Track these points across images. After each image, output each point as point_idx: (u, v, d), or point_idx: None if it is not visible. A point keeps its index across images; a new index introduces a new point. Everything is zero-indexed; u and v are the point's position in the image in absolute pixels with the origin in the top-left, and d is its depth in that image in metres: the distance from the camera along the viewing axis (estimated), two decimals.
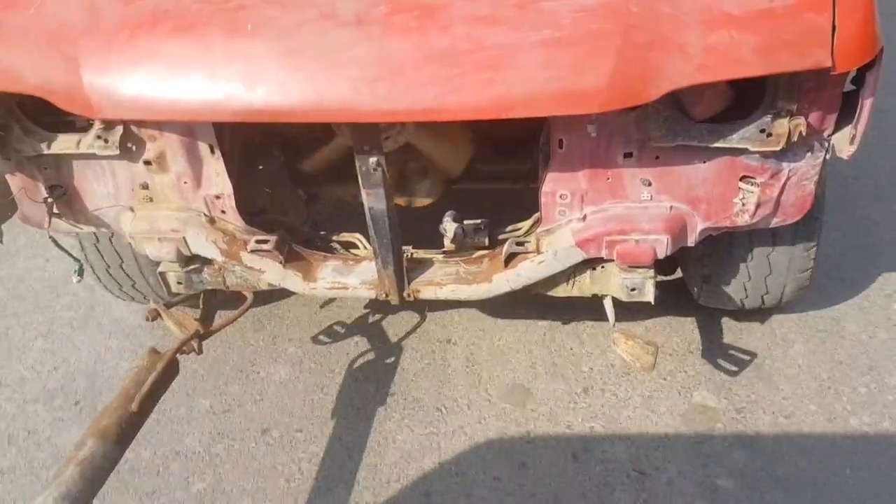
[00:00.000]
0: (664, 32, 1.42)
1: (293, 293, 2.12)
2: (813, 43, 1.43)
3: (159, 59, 1.54)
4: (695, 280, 2.29)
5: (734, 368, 2.32)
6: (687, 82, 1.44)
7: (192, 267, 2.06)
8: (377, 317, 2.59)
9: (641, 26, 1.42)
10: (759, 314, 2.43)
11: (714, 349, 2.37)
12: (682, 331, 2.44)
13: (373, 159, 1.73)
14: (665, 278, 2.49)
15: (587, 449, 2.13)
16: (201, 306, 2.21)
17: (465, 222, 2.04)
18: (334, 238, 2.18)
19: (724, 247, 2.08)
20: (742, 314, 2.43)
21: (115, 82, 1.55)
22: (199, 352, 2.11)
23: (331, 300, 2.63)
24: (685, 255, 2.27)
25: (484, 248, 2.06)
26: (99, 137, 1.81)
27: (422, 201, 2.28)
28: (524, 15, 1.45)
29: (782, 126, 1.59)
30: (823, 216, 2.04)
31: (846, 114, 1.62)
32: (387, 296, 2.00)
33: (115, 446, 1.82)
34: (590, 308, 2.23)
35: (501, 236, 2.07)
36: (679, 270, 2.40)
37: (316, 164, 2.21)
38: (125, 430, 1.85)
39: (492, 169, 2.37)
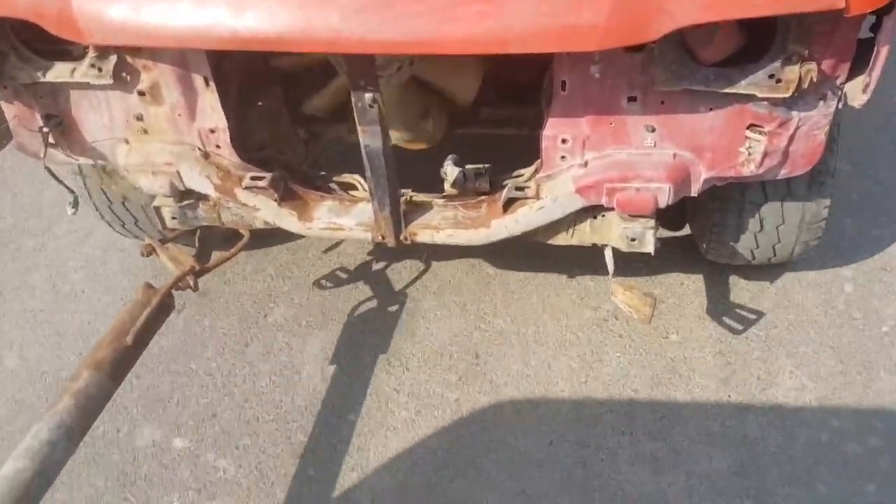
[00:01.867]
0: None
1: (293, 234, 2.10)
2: None
3: None
4: (703, 233, 2.23)
5: (739, 327, 2.28)
6: (691, 21, 1.37)
7: (186, 202, 2.04)
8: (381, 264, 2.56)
9: None
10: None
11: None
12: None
13: (368, 95, 1.69)
14: (672, 233, 2.45)
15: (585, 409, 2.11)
16: (196, 243, 2.20)
17: (467, 167, 1.99)
18: (333, 178, 2.14)
19: (736, 197, 2.02)
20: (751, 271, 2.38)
21: (103, 6, 1.52)
22: (195, 288, 2.10)
23: (335, 244, 2.61)
24: (694, 206, 2.22)
25: (485, 193, 2.01)
26: (93, 66, 1.78)
27: (423, 144, 2.23)
28: None
29: (793, 72, 1.52)
30: (836, 166, 1.97)
31: (860, 61, 1.55)
32: (383, 238, 1.97)
33: (110, 379, 1.82)
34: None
35: (506, 182, 2.02)
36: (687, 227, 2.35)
37: (318, 106, 2.17)
38: (120, 363, 1.85)
39: (496, 113, 2.31)
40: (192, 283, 2.08)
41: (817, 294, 2.34)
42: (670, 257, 2.43)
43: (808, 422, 2.03)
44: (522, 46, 1.41)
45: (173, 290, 2.02)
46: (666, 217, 2.11)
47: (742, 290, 2.37)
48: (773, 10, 1.38)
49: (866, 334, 2.22)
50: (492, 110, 2.31)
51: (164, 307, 2.00)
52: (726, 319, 2.30)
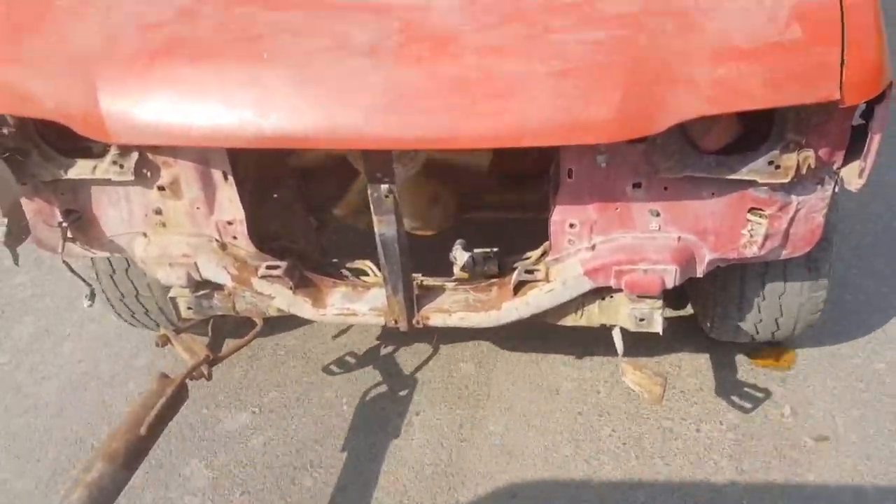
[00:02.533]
0: (672, 65, 1.44)
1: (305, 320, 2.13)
2: (821, 76, 1.44)
3: (175, 86, 1.57)
4: (706, 313, 2.28)
5: (748, 405, 2.31)
6: (694, 114, 1.45)
7: (202, 292, 2.07)
8: (390, 348, 2.59)
9: (650, 59, 1.44)
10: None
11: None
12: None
13: (384, 186, 1.75)
14: (676, 313, 2.50)
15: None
16: (210, 332, 2.22)
17: (476, 251, 2.04)
18: (345, 265, 2.19)
19: (738, 277, 2.07)
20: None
21: (131, 108, 1.58)
22: (209, 377, 2.12)
23: (345, 329, 2.64)
24: (696, 288, 2.27)
25: (494, 276, 2.06)
26: (115, 163, 1.83)
27: (433, 229, 2.29)
28: (534, 46, 1.47)
29: (791, 159, 1.60)
30: (834, 250, 2.04)
31: (855, 147, 1.63)
32: (396, 322, 2.01)
33: (123, 469, 1.83)
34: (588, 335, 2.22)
35: (512, 265, 2.07)
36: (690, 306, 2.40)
37: (345, 209, 2.23)
38: (133, 453, 1.86)
39: (502, 199, 2.38)
40: (206, 372, 2.10)
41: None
42: (674, 336, 2.48)
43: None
44: (536, 140, 1.48)
45: (188, 380, 2.04)
46: (669, 297, 2.16)
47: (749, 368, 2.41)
48: (772, 102, 1.46)
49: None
50: (498, 195, 2.38)
51: (179, 397, 2.01)
52: (734, 398, 2.33)
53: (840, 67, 1.44)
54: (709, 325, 2.30)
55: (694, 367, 2.44)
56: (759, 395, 2.33)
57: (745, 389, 2.35)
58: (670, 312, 2.54)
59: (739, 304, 2.13)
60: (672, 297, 2.38)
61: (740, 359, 2.44)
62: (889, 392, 2.30)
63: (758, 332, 2.22)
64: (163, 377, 2.02)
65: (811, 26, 1.45)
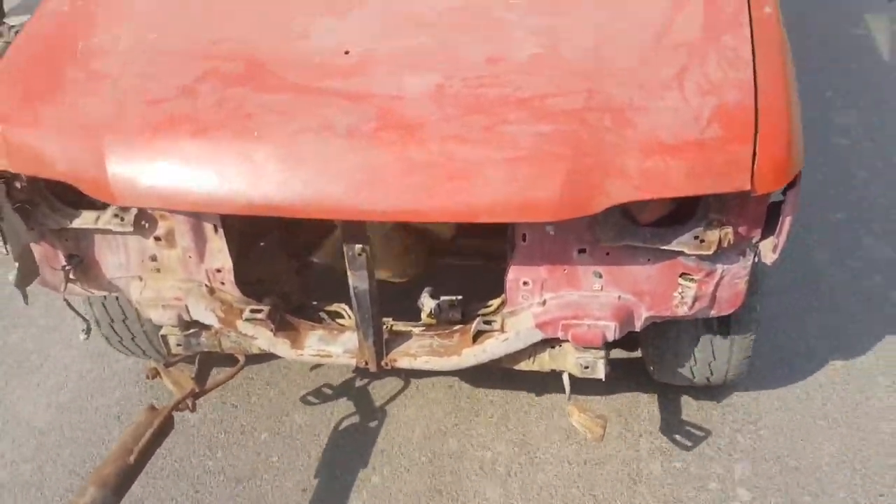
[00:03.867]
0: (608, 157, 1.67)
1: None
2: (735, 170, 1.67)
3: (175, 157, 1.78)
4: (650, 358, 2.51)
5: (688, 444, 2.53)
6: (625, 199, 1.69)
7: (191, 331, 2.27)
8: (364, 381, 2.79)
9: (589, 151, 1.67)
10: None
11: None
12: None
13: (358, 246, 1.97)
14: (629, 355, 2.73)
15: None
16: (196, 367, 2.42)
17: (442, 298, 2.25)
18: (322, 307, 2.39)
19: (673, 330, 2.31)
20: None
21: (135, 174, 1.79)
22: (193, 409, 2.32)
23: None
24: (642, 334, 2.50)
25: (458, 322, 2.27)
26: (116, 216, 2.03)
27: (404, 277, 2.50)
28: (490, 136, 1.70)
29: (713, 234, 1.83)
30: (761, 308, 2.28)
31: (773, 223, 1.87)
32: (366, 364, 2.21)
33: (113, 495, 2.03)
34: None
35: (474, 313, 2.29)
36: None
37: (323, 257, 2.44)
38: (123, 479, 2.05)
39: (468, 248, 2.60)
40: (190, 404, 2.29)
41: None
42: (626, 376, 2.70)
43: None
44: (490, 217, 1.71)
45: (174, 412, 2.24)
46: (622, 341, 2.38)
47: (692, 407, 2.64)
48: (692, 191, 1.69)
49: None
50: (464, 245, 2.59)
51: (165, 428, 2.20)
52: (676, 436, 2.55)
53: (752, 163, 1.67)
54: (652, 368, 2.53)
55: (638, 405, 2.66)
56: (699, 433, 2.56)
57: (687, 429, 2.58)
58: (624, 354, 2.77)
59: (675, 352, 2.36)
60: (626, 341, 2.61)
61: (684, 399, 2.67)
62: None
63: (694, 377, 2.45)
64: (151, 409, 2.21)
65: (728, 126, 1.68)
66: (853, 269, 3.14)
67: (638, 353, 2.61)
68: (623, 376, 2.65)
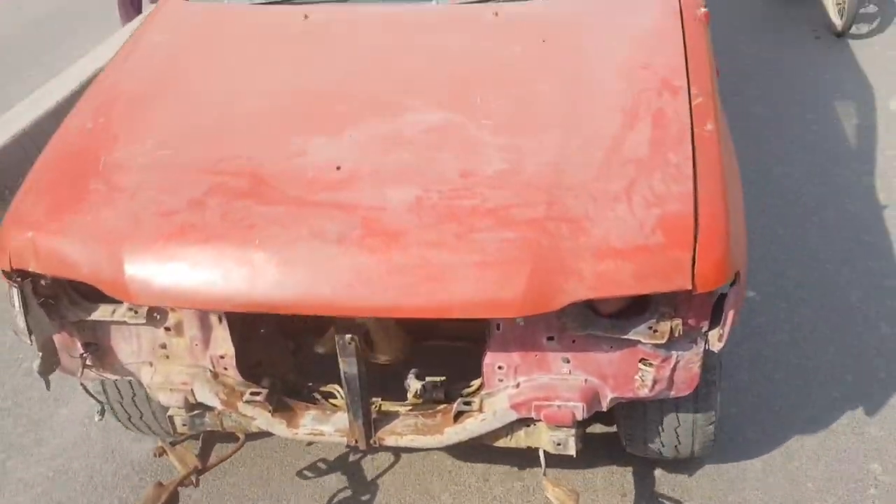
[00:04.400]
0: (565, 260, 1.90)
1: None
2: (676, 271, 1.90)
3: (185, 262, 2.01)
4: (622, 432, 2.70)
5: None
6: (581, 297, 1.91)
7: (195, 412, 2.47)
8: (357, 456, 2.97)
9: (548, 255, 1.90)
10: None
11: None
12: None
13: (348, 336, 2.18)
14: (607, 429, 2.91)
15: None
16: (200, 444, 2.61)
17: (427, 379, 2.45)
18: (316, 388, 2.59)
19: (640, 410, 2.50)
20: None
21: (150, 278, 2.02)
22: (197, 485, 2.50)
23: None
24: (616, 411, 2.69)
25: (441, 401, 2.47)
26: (130, 309, 2.24)
27: (392, 360, 2.71)
28: (461, 243, 1.93)
29: (665, 325, 2.04)
30: (720, 388, 2.48)
31: (720, 315, 2.08)
32: (356, 442, 2.40)
33: None
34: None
35: (456, 392, 2.49)
36: None
37: (326, 345, 2.64)
38: None
39: (455, 328, 2.80)
40: (194, 480, 2.48)
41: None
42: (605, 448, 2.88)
43: None
44: (462, 314, 1.93)
45: (179, 487, 2.42)
46: (601, 416, 2.57)
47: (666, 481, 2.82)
48: (639, 290, 1.92)
49: None
50: (448, 329, 2.80)
51: (171, 502, 2.39)
52: None
53: (692, 265, 1.90)
54: (624, 441, 2.71)
55: (611, 477, 2.84)
56: None
57: (660, 500, 2.75)
58: (601, 428, 2.95)
59: (644, 428, 2.55)
60: (604, 416, 2.80)
61: (657, 473, 2.84)
62: None
63: (663, 450, 2.63)
64: (158, 485, 2.40)
65: (670, 234, 1.92)
66: None
67: (614, 428, 2.81)
68: (601, 448, 2.84)
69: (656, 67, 2.35)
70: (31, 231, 2.11)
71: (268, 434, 2.54)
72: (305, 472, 2.91)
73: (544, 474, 2.40)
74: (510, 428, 2.39)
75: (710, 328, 2.10)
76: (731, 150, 2.24)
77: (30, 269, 2.13)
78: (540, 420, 2.28)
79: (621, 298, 2.08)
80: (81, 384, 2.46)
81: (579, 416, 2.23)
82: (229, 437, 2.63)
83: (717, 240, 1.93)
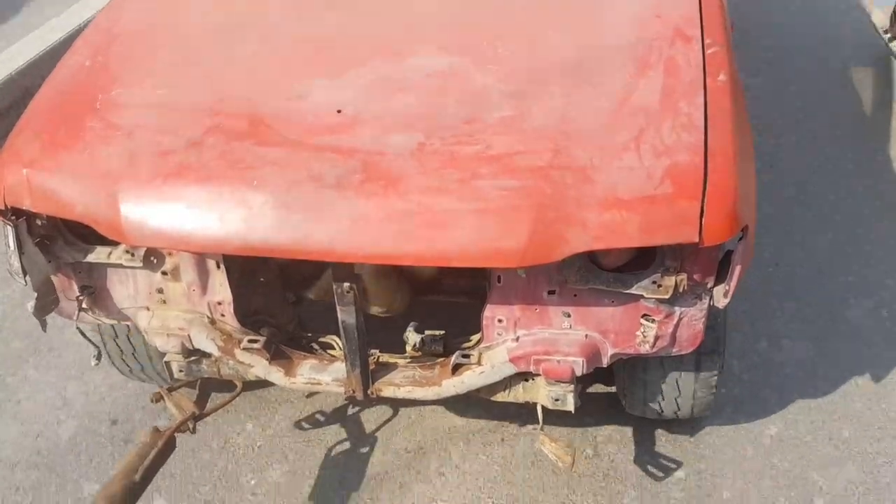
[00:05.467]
0: (569, 210, 1.85)
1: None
2: (684, 223, 1.85)
3: (181, 203, 1.97)
4: (621, 391, 2.68)
5: (660, 475, 2.68)
6: (584, 249, 1.86)
7: (192, 358, 2.45)
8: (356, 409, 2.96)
9: (551, 204, 1.85)
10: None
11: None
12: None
13: (346, 284, 2.15)
14: (607, 389, 2.89)
15: None
16: (197, 391, 2.60)
17: (426, 332, 2.42)
18: (315, 338, 2.57)
19: (640, 368, 2.47)
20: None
21: (146, 218, 1.98)
22: (193, 431, 2.49)
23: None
24: (616, 370, 2.66)
25: (440, 355, 2.44)
26: (127, 252, 2.22)
27: (392, 312, 2.68)
28: (462, 189, 1.88)
29: (670, 280, 2.00)
30: (725, 349, 2.44)
31: (726, 270, 2.04)
32: (353, 392, 2.39)
33: None
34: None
35: (455, 347, 2.46)
36: None
37: (318, 292, 2.62)
38: (129, 496, 2.21)
39: (453, 286, 2.77)
40: (191, 426, 2.47)
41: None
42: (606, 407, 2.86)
43: None
44: (460, 262, 1.89)
45: (176, 433, 2.41)
46: (601, 375, 2.55)
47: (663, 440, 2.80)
48: (645, 242, 1.87)
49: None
50: (450, 283, 2.77)
51: (168, 448, 2.37)
52: (648, 466, 2.71)
53: (700, 217, 1.84)
54: (624, 401, 2.69)
55: (611, 436, 2.82)
56: (672, 465, 2.71)
57: (660, 460, 2.73)
58: (602, 388, 2.93)
59: (644, 387, 2.53)
60: (604, 376, 2.78)
61: (658, 433, 2.82)
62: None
63: (662, 411, 2.61)
64: (155, 431, 2.39)
65: (678, 184, 1.86)
66: None
67: (614, 388, 2.78)
68: (600, 408, 2.82)
69: (670, 16, 2.27)
70: (25, 168, 2.07)
71: (267, 384, 2.53)
72: (303, 424, 2.90)
73: (542, 430, 2.38)
74: (508, 382, 2.37)
75: (716, 284, 2.06)
76: (743, 102, 2.18)
77: (24, 208, 2.09)
78: (539, 375, 2.26)
79: (625, 251, 2.04)
80: (77, 328, 2.45)
81: (579, 372, 2.20)
82: (227, 385, 2.61)
83: (726, 192, 1.88)
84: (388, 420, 2.91)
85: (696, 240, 1.86)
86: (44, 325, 2.33)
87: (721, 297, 2.05)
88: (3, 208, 2.09)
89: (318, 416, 2.93)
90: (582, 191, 1.87)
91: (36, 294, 2.26)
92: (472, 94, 2.09)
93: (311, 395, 2.99)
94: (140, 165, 2.03)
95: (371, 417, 2.91)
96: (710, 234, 1.87)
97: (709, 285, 2.06)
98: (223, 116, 2.08)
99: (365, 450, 2.79)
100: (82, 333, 2.47)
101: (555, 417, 2.55)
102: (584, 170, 1.90)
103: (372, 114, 2.06)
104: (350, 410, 2.94)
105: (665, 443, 2.78)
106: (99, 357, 2.58)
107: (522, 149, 1.94)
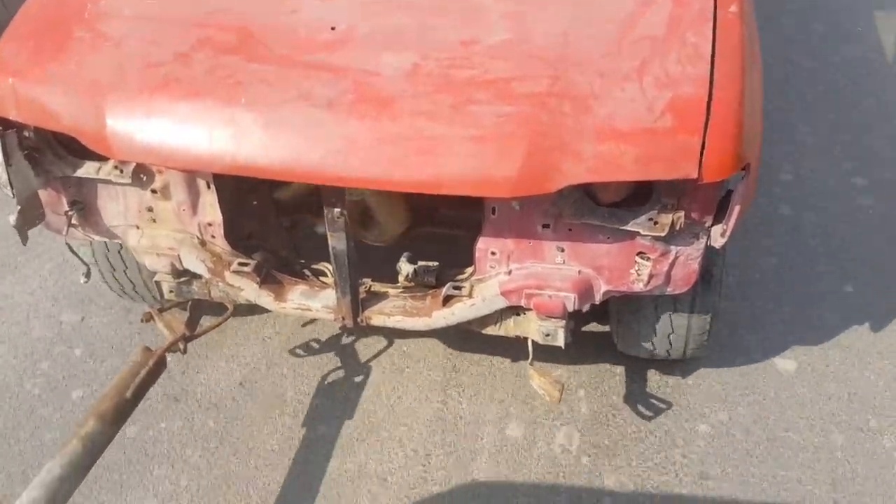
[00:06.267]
0: (565, 139, 1.79)
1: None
2: (683, 158, 1.78)
3: (169, 118, 1.92)
4: (615, 330, 2.65)
5: (649, 414, 2.68)
6: (579, 180, 1.81)
7: (183, 279, 2.43)
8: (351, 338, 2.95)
9: (547, 133, 1.79)
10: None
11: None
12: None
13: (336, 209, 2.11)
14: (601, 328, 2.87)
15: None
16: (188, 312, 2.59)
17: (420, 263, 2.39)
18: (307, 265, 2.54)
19: (634, 306, 2.44)
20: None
21: (132, 132, 1.93)
22: (184, 351, 2.49)
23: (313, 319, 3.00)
24: (610, 308, 2.63)
25: (432, 287, 2.42)
26: (116, 168, 2.18)
27: (387, 242, 2.64)
28: (456, 114, 1.82)
29: (666, 217, 1.94)
30: (721, 292, 2.40)
31: (724, 209, 1.98)
32: (343, 319, 2.37)
33: (111, 426, 2.20)
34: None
35: (451, 279, 2.42)
36: None
37: (290, 193, 2.58)
38: (120, 413, 2.23)
39: (451, 216, 2.73)
40: (182, 347, 2.47)
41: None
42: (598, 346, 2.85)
43: None
44: (451, 190, 1.84)
45: (167, 353, 2.41)
46: (595, 314, 2.51)
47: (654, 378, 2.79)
48: (641, 176, 1.81)
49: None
50: (448, 211, 2.73)
51: (159, 367, 2.38)
52: (639, 406, 2.70)
53: (700, 152, 1.78)
54: (616, 339, 2.67)
55: (601, 375, 2.81)
56: (662, 405, 2.70)
57: (651, 400, 2.72)
58: (597, 326, 2.91)
59: (638, 325, 2.50)
60: (599, 315, 2.76)
61: (650, 373, 2.81)
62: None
63: (655, 349, 2.59)
64: (146, 350, 2.38)
65: (680, 117, 1.79)
66: None
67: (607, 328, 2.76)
68: (591, 347, 2.81)
69: None
70: (11, 77, 2.02)
71: (262, 310, 2.51)
72: (298, 351, 2.90)
73: (531, 364, 2.36)
74: (499, 316, 2.34)
75: (714, 223, 2.01)
76: (756, 38, 2.09)
77: (10, 118, 2.05)
78: (530, 309, 2.23)
79: (622, 186, 1.98)
80: (67, 244, 2.43)
81: (570, 308, 2.17)
82: (218, 308, 2.60)
83: (729, 127, 1.81)
84: (385, 350, 2.91)
85: (695, 176, 1.80)
86: (24, 238, 2.30)
87: (718, 236, 2.00)
88: None
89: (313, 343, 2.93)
90: (580, 120, 1.81)
91: (19, 207, 2.23)
92: (470, 14, 2.01)
93: (307, 323, 2.99)
94: (127, 77, 1.98)
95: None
96: (710, 171, 1.81)
97: (707, 224, 2.01)
98: (213, 29, 2.02)
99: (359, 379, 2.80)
100: (71, 250, 2.45)
101: (545, 354, 2.53)
102: (583, 98, 1.83)
103: (366, 32, 1.99)
104: (345, 339, 2.94)
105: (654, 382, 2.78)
106: (88, 275, 2.56)
107: (520, 74, 1.87)
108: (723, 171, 1.82)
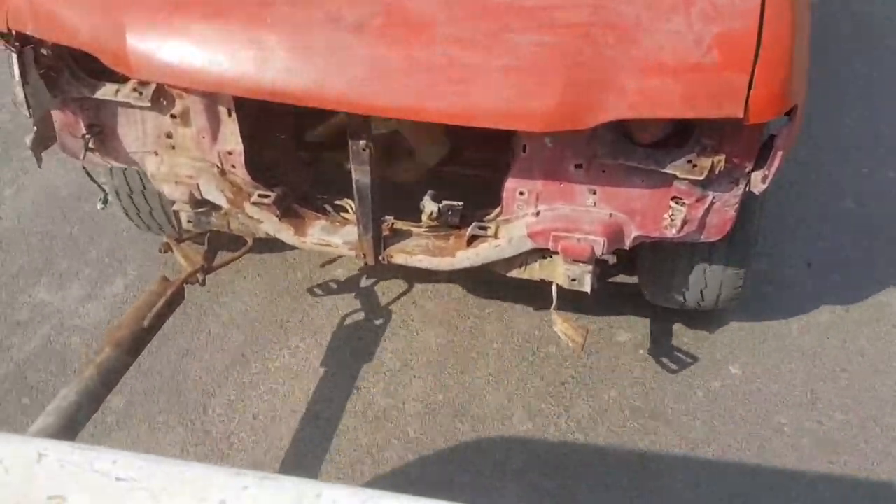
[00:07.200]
0: (606, 72, 1.70)
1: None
2: (729, 96, 1.69)
3: (190, 37, 1.84)
4: (644, 280, 2.58)
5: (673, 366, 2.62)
6: (619, 117, 1.72)
7: (201, 209, 2.37)
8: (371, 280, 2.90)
9: (588, 65, 1.70)
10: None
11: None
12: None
13: (362, 141, 2.03)
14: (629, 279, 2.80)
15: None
16: (206, 244, 2.54)
17: (444, 202, 2.32)
18: (329, 200, 2.48)
19: (668, 253, 2.36)
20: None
21: (152, 50, 1.86)
22: (203, 284, 2.45)
23: (332, 259, 2.95)
24: (639, 256, 2.56)
25: (456, 226, 2.34)
26: (135, 90, 2.11)
27: (412, 178, 2.57)
28: (493, 43, 1.73)
29: (706, 160, 1.86)
30: (757, 241, 2.32)
31: (766, 155, 1.90)
32: (364, 256, 2.31)
33: (127, 355, 2.16)
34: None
35: (476, 219, 2.35)
36: None
37: (319, 135, 2.51)
38: (136, 342, 2.19)
39: (479, 156, 2.65)
40: (200, 279, 2.42)
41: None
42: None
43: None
44: (484, 122, 1.76)
45: (185, 284, 2.37)
46: (623, 266, 2.44)
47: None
48: (685, 114, 1.72)
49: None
50: (475, 152, 2.64)
51: (176, 298, 2.34)
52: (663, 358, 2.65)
53: (747, 91, 1.68)
54: (646, 290, 2.60)
55: (628, 324, 2.75)
56: (687, 359, 2.64)
57: (675, 353, 2.66)
58: (625, 277, 2.84)
59: (670, 275, 2.42)
60: (627, 267, 2.69)
61: (676, 326, 2.74)
62: None
63: (685, 301, 2.52)
64: (164, 280, 2.34)
65: (728, 53, 1.69)
66: None
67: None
68: (619, 296, 2.75)
69: None
70: None
71: (283, 247, 2.45)
72: (316, 290, 2.85)
73: (555, 308, 2.30)
74: (524, 258, 2.27)
75: (755, 169, 1.92)
76: None
77: (27, 32, 1.97)
78: (556, 252, 2.16)
79: (662, 125, 1.90)
80: (84, 168, 2.37)
81: (598, 252, 2.10)
82: (237, 242, 2.55)
83: (778, 66, 1.71)
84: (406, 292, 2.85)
85: (741, 115, 1.71)
86: (39, 160, 2.25)
87: (759, 182, 1.91)
88: (5, 31, 1.98)
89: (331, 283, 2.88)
90: (623, 52, 1.71)
91: (35, 127, 2.17)
92: None
93: (326, 263, 2.94)
94: None
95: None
96: (757, 111, 1.71)
97: (747, 169, 1.92)
98: None
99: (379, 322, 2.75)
100: (88, 174, 2.39)
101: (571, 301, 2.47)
102: (628, 29, 1.72)
103: None
104: (365, 281, 2.89)
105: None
106: (105, 200, 2.51)
107: (562, 2, 1.76)
108: (769, 112, 1.73)
